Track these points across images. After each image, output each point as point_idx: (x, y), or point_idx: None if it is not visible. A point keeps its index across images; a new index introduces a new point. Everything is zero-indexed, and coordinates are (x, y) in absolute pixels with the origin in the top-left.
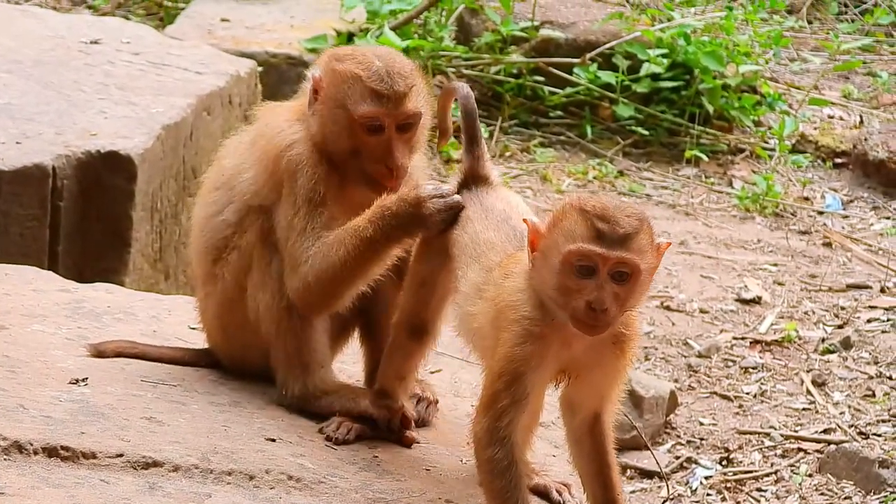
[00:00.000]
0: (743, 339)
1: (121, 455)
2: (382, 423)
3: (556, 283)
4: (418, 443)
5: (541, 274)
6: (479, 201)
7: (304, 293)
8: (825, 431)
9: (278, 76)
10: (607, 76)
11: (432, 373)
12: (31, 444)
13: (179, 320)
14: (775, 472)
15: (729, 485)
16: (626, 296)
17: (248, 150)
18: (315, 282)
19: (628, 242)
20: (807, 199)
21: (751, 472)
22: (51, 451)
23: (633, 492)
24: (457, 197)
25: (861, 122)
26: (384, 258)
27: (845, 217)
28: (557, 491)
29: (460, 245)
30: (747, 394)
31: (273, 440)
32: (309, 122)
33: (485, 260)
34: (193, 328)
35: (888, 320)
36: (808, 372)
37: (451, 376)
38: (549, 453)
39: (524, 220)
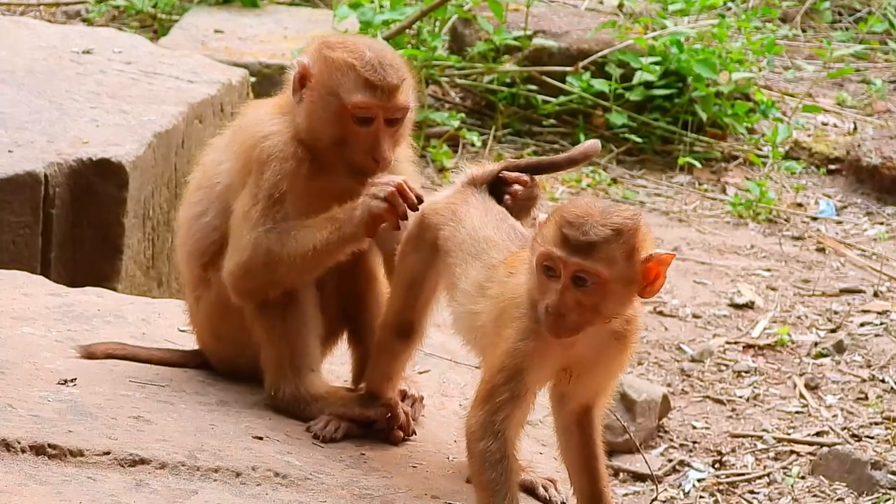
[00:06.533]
0: (736, 343)
1: (108, 453)
2: (382, 422)
3: (532, 283)
4: (406, 440)
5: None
6: (479, 199)
7: (243, 275)
8: (818, 434)
9: (271, 86)
10: (600, 84)
11: (420, 373)
12: (19, 443)
13: (169, 323)
14: (768, 475)
15: (721, 487)
16: (594, 304)
17: (227, 144)
18: (263, 260)
19: (592, 250)
20: (800, 205)
21: (743, 474)
22: (38, 450)
23: (625, 495)
24: (398, 178)
25: (855, 128)
26: (343, 249)
27: (839, 223)
28: (543, 487)
29: (456, 241)
30: (740, 397)
31: (260, 438)
32: (294, 112)
33: (486, 257)
34: (183, 330)
35: (881, 324)
36: (800, 375)
37: (439, 376)
38: (535, 451)
39: None
